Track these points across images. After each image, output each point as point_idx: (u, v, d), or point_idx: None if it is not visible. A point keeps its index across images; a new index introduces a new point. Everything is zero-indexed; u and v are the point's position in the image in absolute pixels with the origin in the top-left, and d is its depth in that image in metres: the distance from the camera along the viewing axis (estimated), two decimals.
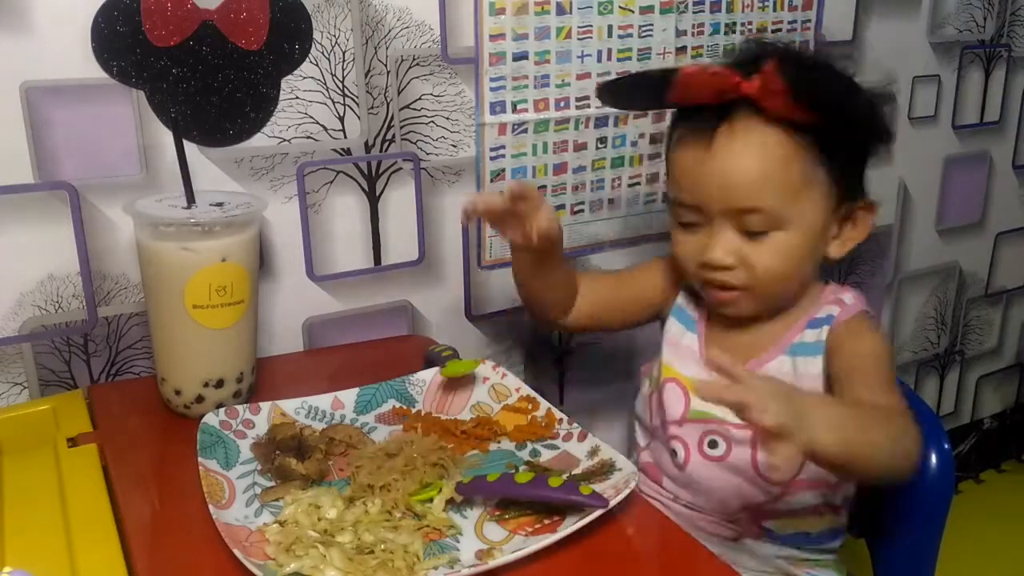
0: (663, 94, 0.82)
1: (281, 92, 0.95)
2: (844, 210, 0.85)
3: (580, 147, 1.16)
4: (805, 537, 0.88)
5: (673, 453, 0.90)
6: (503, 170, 1.11)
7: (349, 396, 0.85)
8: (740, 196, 0.80)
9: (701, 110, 0.81)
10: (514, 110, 1.09)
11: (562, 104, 1.12)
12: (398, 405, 0.86)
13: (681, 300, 0.95)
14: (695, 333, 0.92)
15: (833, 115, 0.78)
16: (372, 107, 1.01)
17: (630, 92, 0.92)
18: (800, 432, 0.62)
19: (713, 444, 0.87)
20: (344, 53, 0.98)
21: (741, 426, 0.85)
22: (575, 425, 0.80)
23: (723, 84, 0.79)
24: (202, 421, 0.76)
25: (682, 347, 0.92)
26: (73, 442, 0.78)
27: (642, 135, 1.20)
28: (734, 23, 1.22)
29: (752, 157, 0.79)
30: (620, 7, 1.13)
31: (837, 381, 0.83)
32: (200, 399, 0.82)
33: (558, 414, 0.81)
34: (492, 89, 1.07)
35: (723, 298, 0.85)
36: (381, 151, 1.03)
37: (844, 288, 0.90)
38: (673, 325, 0.94)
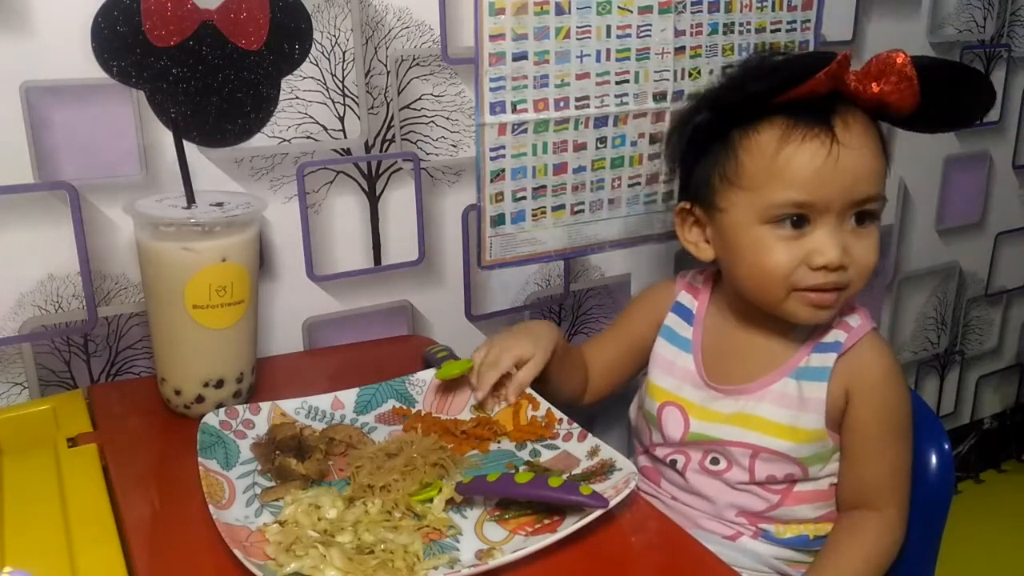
0: (782, 86, 0.78)
1: (281, 92, 0.95)
2: None
3: (580, 147, 1.16)
4: (804, 540, 0.89)
5: (673, 462, 0.90)
6: (503, 170, 1.11)
7: (349, 396, 0.85)
8: (870, 183, 0.80)
9: (799, 107, 0.79)
10: (514, 110, 1.09)
11: (562, 104, 1.12)
12: (398, 405, 0.86)
13: (670, 321, 0.94)
14: (690, 353, 0.91)
15: (947, 89, 0.81)
16: (372, 107, 1.01)
17: (742, 91, 0.85)
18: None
19: (715, 461, 0.88)
20: (344, 53, 0.98)
21: (737, 443, 0.86)
22: (575, 425, 0.80)
23: (847, 76, 0.79)
24: (202, 421, 0.76)
25: (678, 368, 0.91)
26: (73, 442, 0.78)
27: (642, 135, 1.20)
28: (732, 23, 1.22)
29: (870, 143, 0.80)
30: (619, 7, 1.13)
31: (849, 434, 0.85)
32: (200, 399, 0.82)
33: (558, 414, 0.81)
34: (492, 89, 1.07)
35: (825, 302, 0.82)
36: (381, 151, 1.03)
37: (851, 307, 0.88)
38: (663, 347, 0.93)
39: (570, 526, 0.64)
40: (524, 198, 1.13)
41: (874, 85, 0.79)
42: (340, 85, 0.99)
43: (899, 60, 0.78)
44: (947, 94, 0.81)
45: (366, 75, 1.00)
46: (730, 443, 0.86)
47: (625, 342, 0.98)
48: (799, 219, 0.80)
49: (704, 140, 0.86)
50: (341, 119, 1.00)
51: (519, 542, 0.65)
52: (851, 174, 0.79)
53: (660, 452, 0.91)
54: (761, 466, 0.85)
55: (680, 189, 0.94)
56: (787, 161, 0.79)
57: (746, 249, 0.83)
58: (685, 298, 0.94)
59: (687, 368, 0.90)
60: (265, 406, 0.81)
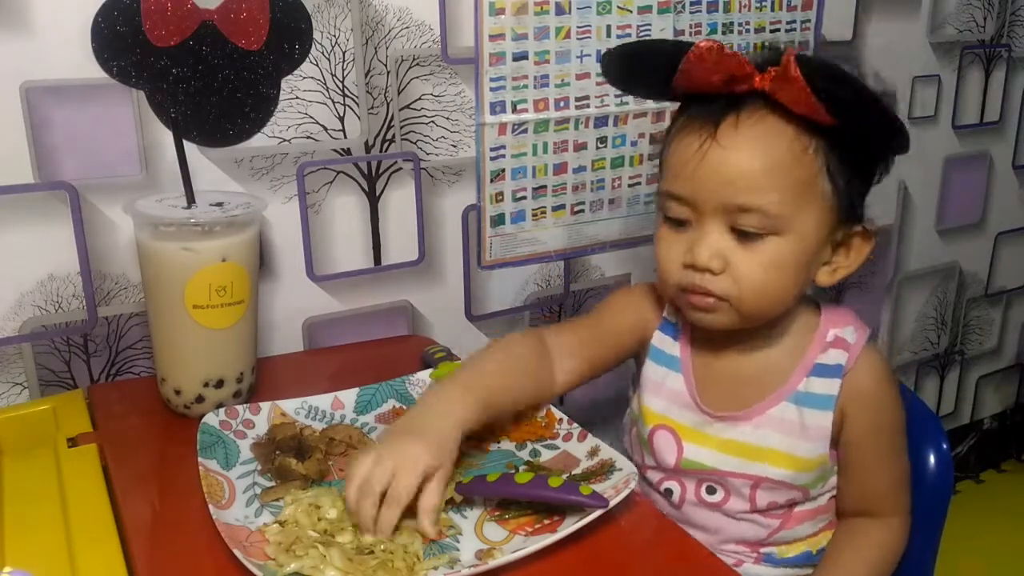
0: (670, 71, 0.75)
1: (281, 92, 0.96)
2: (841, 234, 0.79)
3: (580, 147, 1.16)
4: (807, 556, 0.87)
5: (669, 492, 0.86)
6: (503, 170, 1.11)
7: (349, 396, 0.85)
8: (740, 190, 0.74)
9: (708, 100, 0.76)
10: (514, 110, 1.09)
11: (562, 104, 1.13)
12: (398, 405, 0.86)
13: (656, 340, 0.88)
14: (679, 373, 0.85)
15: (851, 112, 0.72)
16: (372, 107, 1.01)
17: (638, 64, 0.83)
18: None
19: (711, 491, 0.84)
20: (344, 53, 0.98)
21: (737, 475, 0.82)
22: (575, 425, 0.80)
23: (738, 68, 0.73)
24: (202, 421, 0.76)
25: (666, 389, 0.85)
26: (73, 442, 0.78)
27: (642, 135, 1.20)
28: (732, 23, 1.22)
29: (758, 149, 0.74)
30: (618, 7, 1.13)
31: (847, 448, 0.82)
32: (200, 399, 0.82)
33: (558, 414, 0.81)
34: (492, 89, 1.07)
35: (700, 305, 0.78)
36: (381, 151, 1.03)
37: (842, 315, 0.84)
38: (651, 369, 0.87)
39: (570, 526, 0.64)
40: (524, 198, 1.14)
41: (760, 81, 0.73)
42: (340, 85, 0.99)
43: (787, 57, 0.70)
44: (860, 122, 0.73)
45: (366, 75, 1.00)
46: (729, 474, 0.82)
47: (605, 335, 0.90)
48: (684, 213, 0.77)
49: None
50: (341, 119, 1.00)
51: (519, 542, 0.65)
52: (720, 174, 0.74)
53: (653, 476, 0.88)
54: (762, 495, 0.82)
55: None
56: (672, 151, 0.78)
57: (655, 239, 0.81)
58: (669, 311, 0.88)
59: (676, 389, 0.85)
60: (265, 406, 0.81)
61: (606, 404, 1.26)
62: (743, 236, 0.75)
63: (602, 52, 0.86)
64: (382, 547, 0.63)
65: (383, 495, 0.65)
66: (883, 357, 0.86)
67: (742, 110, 0.74)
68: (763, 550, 0.85)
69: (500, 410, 0.80)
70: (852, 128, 0.73)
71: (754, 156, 0.74)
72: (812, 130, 0.74)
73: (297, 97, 0.96)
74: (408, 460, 0.66)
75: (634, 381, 0.94)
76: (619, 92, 1.15)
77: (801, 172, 0.75)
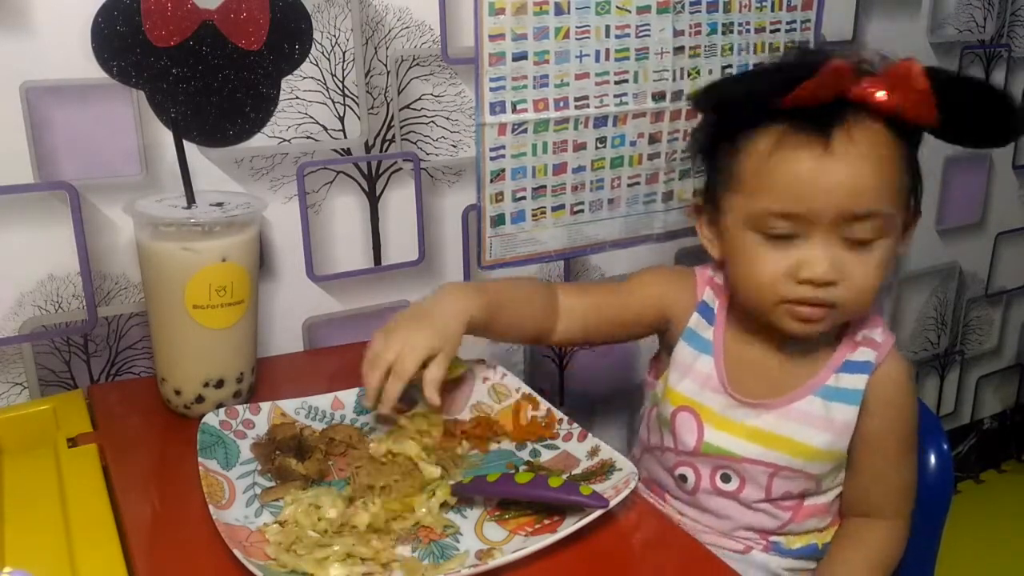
0: (785, 88, 0.74)
1: (281, 92, 0.95)
2: (906, 220, 0.81)
3: (580, 147, 1.16)
4: (814, 548, 0.87)
5: (683, 479, 0.87)
6: (503, 170, 1.11)
7: (349, 396, 0.85)
8: (862, 200, 0.74)
9: (800, 114, 0.75)
10: (514, 110, 1.09)
11: (561, 104, 1.12)
12: (398, 405, 0.86)
13: (694, 322, 0.88)
14: (711, 356, 0.86)
15: (969, 107, 0.74)
16: (372, 107, 1.01)
17: (736, 92, 0.82)
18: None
19: (726, 478, 0.85)
20: (344, 53, 0.98)
21: (757, 462, 0.83)
22: (575, 425, 0.80)
23: (852, 82, 0.74)
24: (202, 421, 0.76)
25: (695, 371, 0.86)
26: (73, 442, 0.78)
27: (641, 135, 1.20)
28: (732, 23, 1.22)
29: (873, 158, 0.74)
30: (617, 7, 1.13)
31: (861, 445, 0.83)
32: (200, 399, 0.82)
33: (558, 414, 0.81)
34: (492, 89, 1.07)
35: (813, 317, 0.78)
36: (381, 151, 1.03)
37: (869, 317, 0.85)
38: (683, 350, 0.87)
39: (570, 526, 0.64)
40: (524, 198, 1.14)
41: (883, 94, 0.74)
42: (340, 85, 0.99)
43: (912, 70, 0.72)
44: (970, 112, 0.75)
45: (366, 75, 1.00)
46: (748, 460, 0.83)
47: (624, 305, 0.91)
48: (789, 228, 0.76)
49: (718, 139, 0.83)
50: (341, 119, 1.00)
51: (519, 542, 0.65)
52: (843, 187, 0.74)
53: (668, 460, 0.88)
54: (779, 484, 0.84)
55: (704, 186, 0.89)
56: (776, 168, 0.76)
57: (739, 254, 0.80)
58: (708, 296, 0.89)
59: (706, 372, 0.86)
60: (265, 406, 0.81)
61: (606, 404, 1.27)
62: (854, 244, 0.76)
63: (702, 86, 0.85)
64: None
65: (388, 372, 0.74)
66: (909, 363, 0.87)
67: (848, 120, 0.75)
68: (772, 539, 0.86)
69: (503, 323, 0.83)
70: (960, 126, 0.76)
71: (871, 165, 0.75)
72: (904, 130, 0.76)
73: (297, 97, 0.96)
74: (410, 344, 0.74)
75: (652, 363, 0.96)
76: (618, 92, 1.15)
77: (901, 173, 0.77)
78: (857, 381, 0.82)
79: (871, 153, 0.75)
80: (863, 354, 0.83)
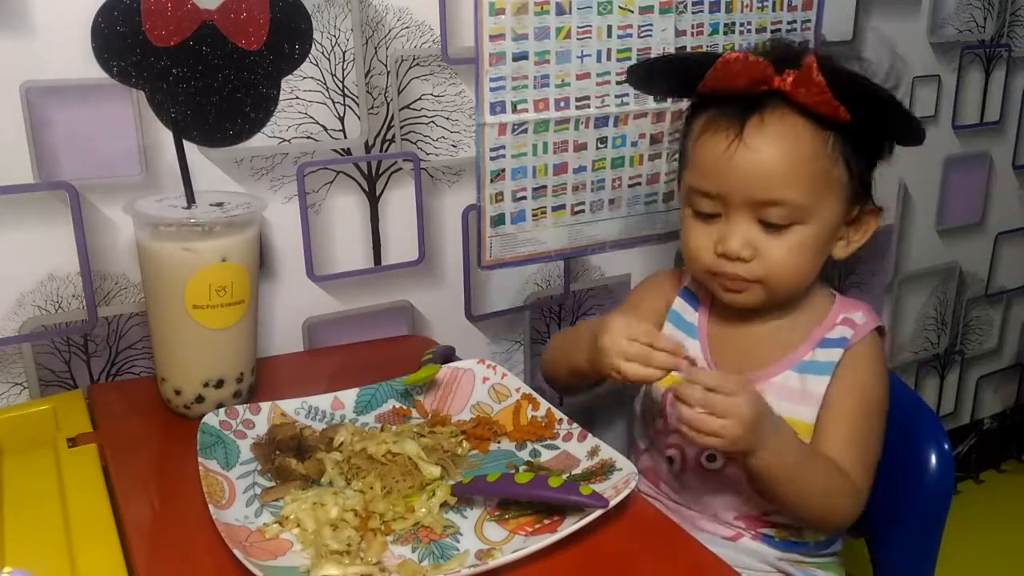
0: (695, 79, 0.82)
1: (281, 92, 0.95)
2: (855, 212, 0.85)
3: (580, 147, 1.16)
4: (804, 545, 0.88)
5: (670, 461, 0.90)
6: (503, 170, 1.11)
7: (349, 396, 0.85)
8: (768, 187, 0.80)
9: (729, 100, 0.81)
10: (514, 110, 1.09)
11: (562, 104, 1.12)
12: (398, 405, 0.86)
13: (678, 305, 0.94)
14: (696, 339, 0.92)
15: (867, 110, 0.78)
16: (372, 107, 1.01)
17: (662, 73, 0.91)
18: (748, 446, 0.74)
19: (711, 458, 0.88)
20: (344, 53, 0.98)
21: None
22: (575, 425, 0.80)
23: (762, 73, 0.79)
24: (202, 421, 0.76)
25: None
26: (73, 442, 0.78)
27: (642, 135, 1.20)
28: (733, 23, 1.22)
29: (782, 148, 0.79)
30: (619, 7, 1.13)
31: (823, 408, 0.85)
32: (200, 399, 0.82)
33: (558, 414, 0.81)
34: (492, 89, 1.07)
35: (733, 288, 0.85)
36: (381, 151, 1.03)
37: (855, 304, 0.90)
38: (669, 331, 0.93)
39: (570, 526, 0.64)
40: (524, 198, 1.14)
41: (789, 87, 0.78)
42: (340, 85, 0.99)
43: (807, 62, 0.76)
44: (875, 119, 0.80)
45: (366, 75, 1.00)
46: None
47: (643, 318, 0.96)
48: (712, 207, 0.83)
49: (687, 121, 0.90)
50: (341, 119, 1.00)
51: (519, 542, 0.65)
52: (749, 173, 0.80)
53: (661, 442, 0.92)
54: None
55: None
56: (700, 149, 0.84)
57: (681, 227, 0.88)
58: (691, 283, 0.95)
59: (693, 355, 0.89)
60: (265, 406, 0.81)
61: (606, 404, 1.26)
62: (770, 227, 0.81)
63: (627, 67, 0.95)
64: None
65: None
66: (883, 347, 0.90)
67: (765, 110, 0.80)
68: (761, 530, 0.87)
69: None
70: (868, 125, 0.79)
71: (779, 155, 0.80)
72: (828, 124, 0.80)
73: (297, 97, 0.96)
74: (639, 328, 0.79)
75: None
76: (619, 92, 1.15)
77: (821, 165, 0.81)
78: (832, 355, 0.86)
79: (780, 143, 0.79)
80: (840, 332, 0.87)
